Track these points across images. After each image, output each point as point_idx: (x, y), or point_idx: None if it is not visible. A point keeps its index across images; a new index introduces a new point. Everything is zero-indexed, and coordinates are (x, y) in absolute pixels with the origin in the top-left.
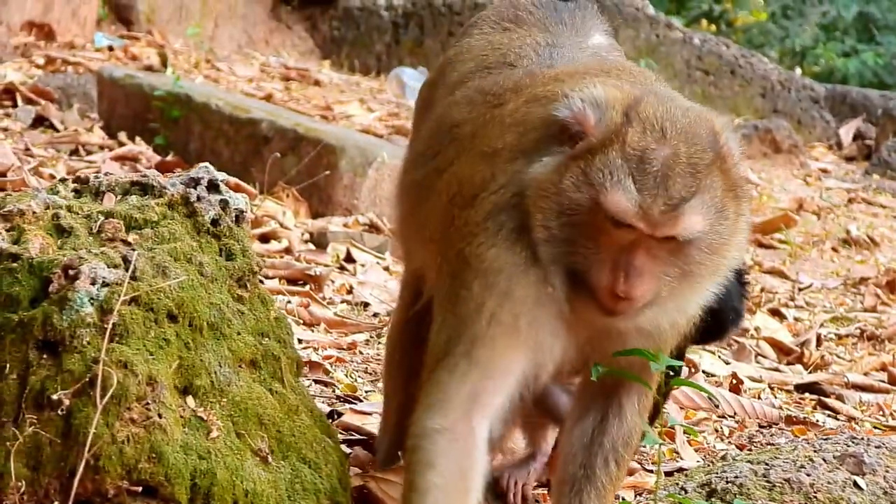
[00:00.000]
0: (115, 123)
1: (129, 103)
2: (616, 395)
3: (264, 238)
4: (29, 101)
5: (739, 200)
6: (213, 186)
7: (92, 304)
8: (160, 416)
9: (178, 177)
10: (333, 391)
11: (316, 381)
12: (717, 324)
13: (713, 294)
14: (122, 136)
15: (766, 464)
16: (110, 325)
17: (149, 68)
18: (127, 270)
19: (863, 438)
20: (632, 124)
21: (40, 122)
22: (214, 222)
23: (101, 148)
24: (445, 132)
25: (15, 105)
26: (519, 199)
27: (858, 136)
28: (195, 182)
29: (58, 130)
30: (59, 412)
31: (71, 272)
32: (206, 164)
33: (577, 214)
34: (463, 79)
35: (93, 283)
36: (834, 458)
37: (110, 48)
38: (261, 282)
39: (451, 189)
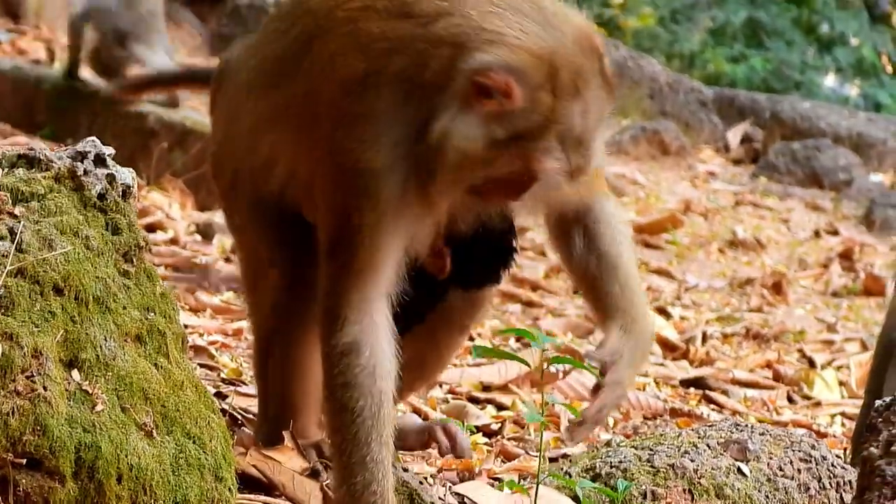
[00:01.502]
0: (2, 115)
1: (17, 95)
2: None
3: (150, 228)
4: None
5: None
6: (100, 160)
7: None
8: (45, 388)
9: (65, 150)
10: (219, 375)
11: (201, 365)
12: (488, 267)
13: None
14: (9, 127)
15: (651, 449)
16: None
17: (37, 62)
18: (13, 242)
19: (747, 426)
20: (556, 97)
21: None
22: (101, 196)
23: None
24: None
25: None
26: (409, 143)
27: (746, 139)
28: (82, 156)
29: None
30: None
31: None
32: (93, 138)
33: (496, 174)
34: None
35: None
36: (718, 444)
37: None
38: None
39: (328, 66)
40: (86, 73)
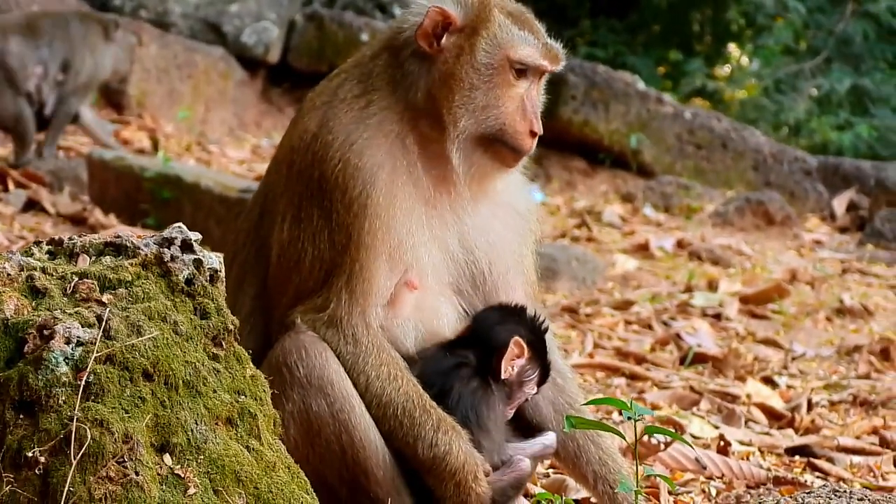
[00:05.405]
0: (106, 205)
1: (120, 185)
2: None
3: None
4: (20, 185)
5: None
6: (186, 246)
7: (67, 363)
8: (137, 473)
9: (152, 237)
10: None
11: None
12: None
13: None
14: (112, 217)
15: None
16: (83, 384)
17: (140, 151)
18: (101, 329)
19: (845, 492)
20: None
21: (31, 205)
22: (188, 281)
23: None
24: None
25: (6, 189)
26: (399, 103)
27: (852, 207)
28: (168, 242)
29: (49, 213)
30: (37, 471)
31: (46, 332)
32: (180, 224)
33: (490, 78)
34: None
35: (67, 343)
36: None
37: None
38: (236, 340)
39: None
40: (190, 161)
